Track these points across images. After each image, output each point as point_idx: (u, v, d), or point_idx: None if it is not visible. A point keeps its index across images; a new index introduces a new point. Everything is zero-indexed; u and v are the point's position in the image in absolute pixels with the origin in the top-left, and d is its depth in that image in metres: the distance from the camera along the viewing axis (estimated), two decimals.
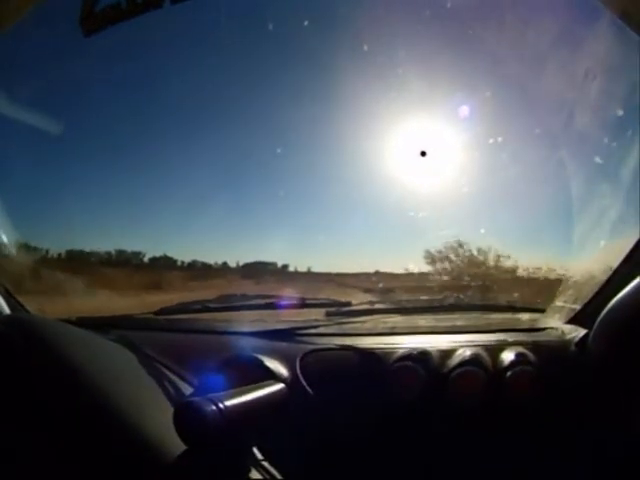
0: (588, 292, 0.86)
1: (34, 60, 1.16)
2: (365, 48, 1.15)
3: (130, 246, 1.65)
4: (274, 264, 1.57)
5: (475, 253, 1.34)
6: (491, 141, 1.20)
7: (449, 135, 1.25)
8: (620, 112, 0.89)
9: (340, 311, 1.02)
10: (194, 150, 1.48)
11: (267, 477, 0.62)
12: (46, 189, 1.43)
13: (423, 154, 1.09)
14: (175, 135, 1.45)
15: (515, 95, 1.17)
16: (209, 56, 1.30)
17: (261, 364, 0.81)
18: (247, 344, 0.88)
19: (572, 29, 0.92)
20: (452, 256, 1.32)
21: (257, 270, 1.57)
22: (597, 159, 1.00)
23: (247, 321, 1.06)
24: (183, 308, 1.07)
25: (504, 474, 0.76)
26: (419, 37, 1.14)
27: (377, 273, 1.40)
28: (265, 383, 0.76)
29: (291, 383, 0.79)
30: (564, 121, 1.02)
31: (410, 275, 1.35)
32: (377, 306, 1.10)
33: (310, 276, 1.51)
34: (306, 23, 1.12)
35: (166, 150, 1.48)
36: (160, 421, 0.57)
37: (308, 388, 0.80)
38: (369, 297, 1.23)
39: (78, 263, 1.54)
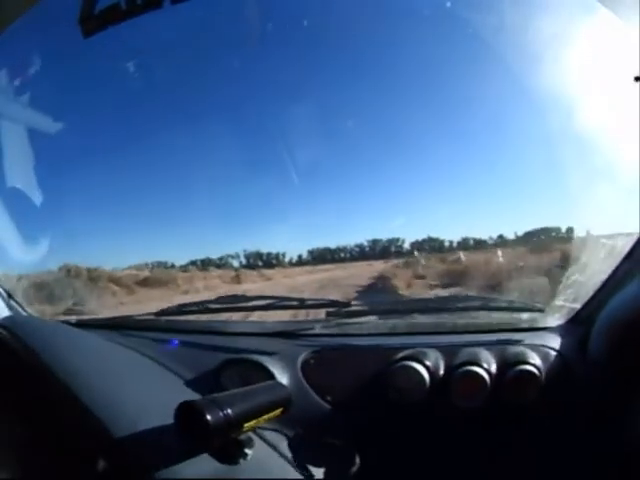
0: (588, 291, 0.86)
1: (34, 60, 1.15)
2: None
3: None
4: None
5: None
6: None
7: None
8: (620, 112, 0.89)
9: (340, 311, 1.02)
10: (194, 149, 1.48)
11: (268, 477, 0.62)
12: (46, 190, 1.43)
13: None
14: (172, 134, 1.45)
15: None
16: (209, 54, 1.30)
17: (262, 365, 0.81)
18: (248, 345, 0.88)
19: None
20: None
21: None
22: (597, 158, 1.00)
23: (248, 322, 1.06)
24: (183, 309, 1.07)
25: (504, 473, 0.76)
26: None
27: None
28: (266, 384, 0.76)
29: (292, 384, 0.79)
30: (564, 120, 1.01)
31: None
32: (377, 306, 1.10)
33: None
34: None
35: (166, 149, 1.47)
36: (161, 422, 0.57)
37: (309, 389, 0.80)
38: (369, 297, 1.23)
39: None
